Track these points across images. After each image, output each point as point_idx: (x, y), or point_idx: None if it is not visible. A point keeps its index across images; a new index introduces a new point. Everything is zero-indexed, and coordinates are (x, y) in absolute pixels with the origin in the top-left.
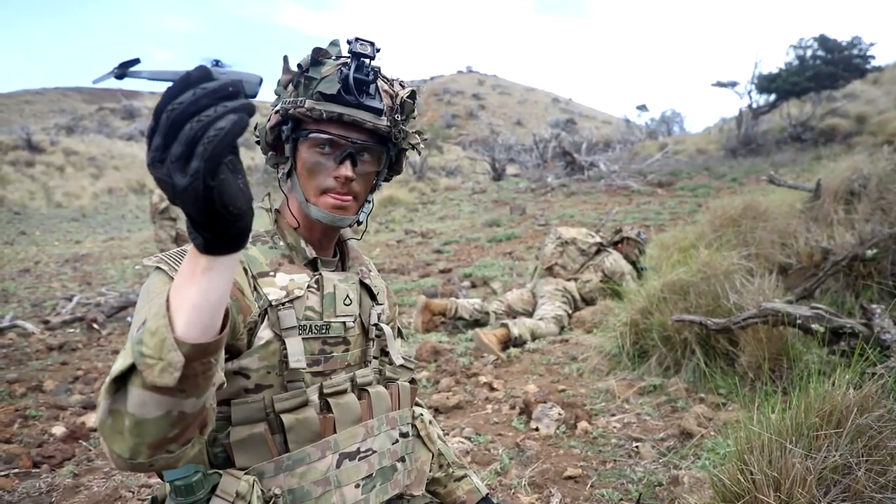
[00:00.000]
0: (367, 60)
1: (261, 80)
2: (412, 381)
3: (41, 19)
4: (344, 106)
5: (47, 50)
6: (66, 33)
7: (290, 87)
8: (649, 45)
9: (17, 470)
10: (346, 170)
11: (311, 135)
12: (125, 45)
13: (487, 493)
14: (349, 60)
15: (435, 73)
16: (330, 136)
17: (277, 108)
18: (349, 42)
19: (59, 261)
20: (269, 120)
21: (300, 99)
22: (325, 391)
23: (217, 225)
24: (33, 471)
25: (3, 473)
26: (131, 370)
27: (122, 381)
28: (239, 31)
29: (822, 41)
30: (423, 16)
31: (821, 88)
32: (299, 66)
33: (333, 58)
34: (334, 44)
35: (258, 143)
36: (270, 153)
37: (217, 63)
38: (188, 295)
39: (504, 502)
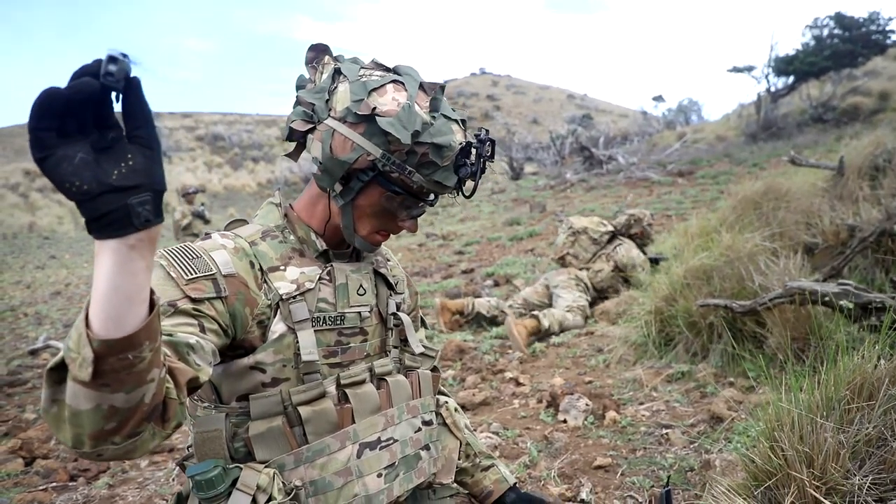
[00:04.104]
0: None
1: (111, 58)
2: (434, 370)
3: (58, 42)
4: (447, 188)
5: (67, 73)
6: (84, 56)
7: (392, 133)
8: (662, 36)
9: (54, 484)
10: (415, 225)
11: (400, 196)
12: (143, 69)
13: (515, 483)
14: (472, 158)
15: (448, 76)
16: (421, 204)
17: (372, 156)
18: (477, 140)
19: (88, 283)
20: (347, 151)
21: (409, 170)
22: (343, 382)
23: (74, 203)
24: (70, 484)
25: (41, 487)
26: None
27: (63, 371)
28: (256, 48)
29: (839, 19)
30: (433, 20)
31: (840, 67)
32: (416, 133)
33: (434, 113)
34: (355, 61)
35: (285, 139)
36: (325, 174)
37: (124, 56)
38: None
39: (532, 493)
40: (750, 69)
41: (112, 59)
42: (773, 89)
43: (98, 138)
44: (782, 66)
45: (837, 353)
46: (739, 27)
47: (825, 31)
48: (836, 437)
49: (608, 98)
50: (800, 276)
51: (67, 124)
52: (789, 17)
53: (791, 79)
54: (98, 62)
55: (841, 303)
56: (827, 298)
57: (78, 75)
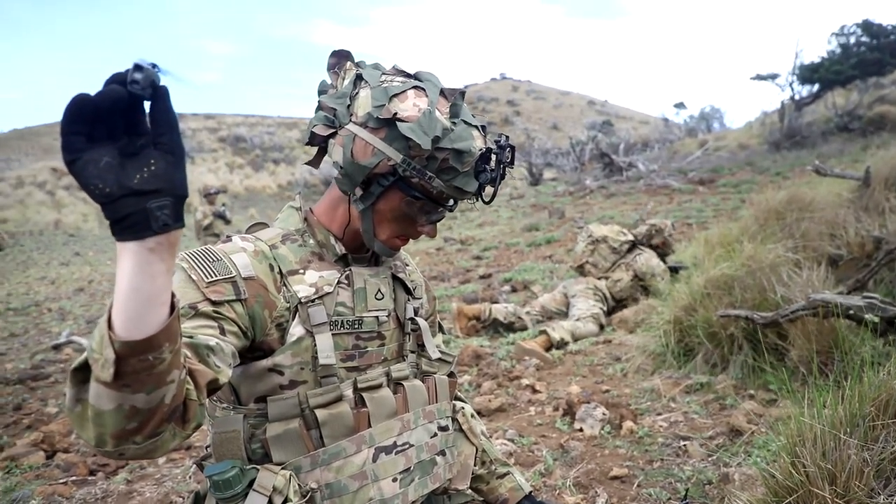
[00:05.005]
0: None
1: (137, 67)
2: (451, 375)
3: (83, 47)
4: (467, 194)
5: (93, 76)
6: (108, 59)
7: (413, 139)
8: (684, 42)
9: (74, 477)
10: (434, 230)
11: (420, 201)
12: (173, 78)
13: (531, 492)
14: (492, 164)
15: (468, 81)
16: (441, 210)
17: (392, 161)
18: (497, 146)
19: (111, 279)
20: (368, 156)
21: (430, 176)
22: (359, 386)
23: (98, 205)
24: (89, 478)
25: (61, 481)
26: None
27: (86, 371)
28: (276, 51)
29: (866, 27)
30: (453, 25)
31: (866, 76)
32: (437, 138)
33: (455, 119)
34: (376, 67)
35: (306, 143)
36: (346, 178)
37: (153, 65)
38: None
39: (547, 501)
40: (774, 77)
41: (138, 68)
42: (797, 97)
43: (127, 144)
44: (807, 73)
45: (862, 367)
46: (763, 34)
47: (852, 39)
48: (860, 455)
49: (629, 104)
50: (823, 289)
51: (96, 129)
52: (815, 24)
53: (816, 87)
54: (118, 75)
55: (866, 316)
56: (851, 312)
57: (108, 83)
